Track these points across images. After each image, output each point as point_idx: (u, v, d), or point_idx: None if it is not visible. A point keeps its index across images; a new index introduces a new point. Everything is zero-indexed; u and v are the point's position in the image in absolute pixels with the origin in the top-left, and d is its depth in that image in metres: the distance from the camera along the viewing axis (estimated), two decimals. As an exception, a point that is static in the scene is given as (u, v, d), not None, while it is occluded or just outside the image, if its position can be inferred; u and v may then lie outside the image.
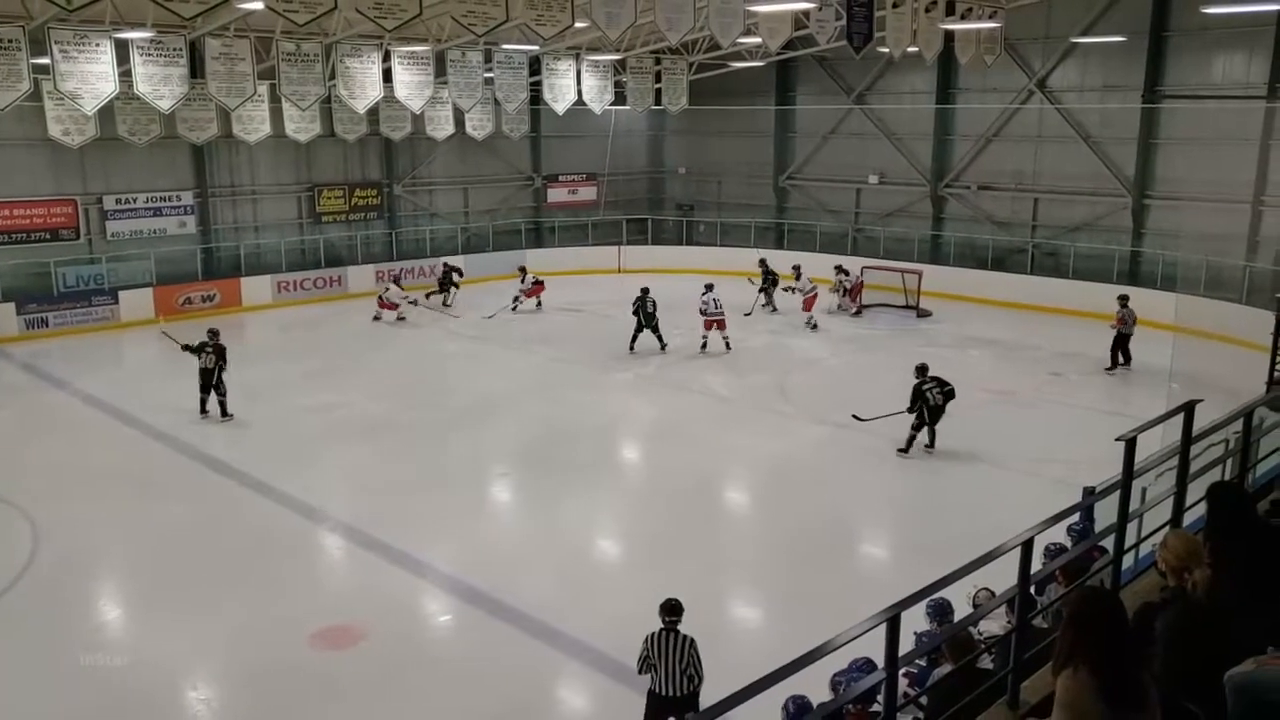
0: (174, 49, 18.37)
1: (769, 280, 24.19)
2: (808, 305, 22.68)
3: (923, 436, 14.36)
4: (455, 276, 25.59)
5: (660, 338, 20.22)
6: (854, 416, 15.30)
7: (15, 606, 10.16)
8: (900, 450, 14.34)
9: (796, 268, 23.64)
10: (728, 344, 20.18)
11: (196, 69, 19.47)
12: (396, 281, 24.59)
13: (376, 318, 23.55)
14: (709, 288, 20.17)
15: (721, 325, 20.06)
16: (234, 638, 9.51)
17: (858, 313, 23.92)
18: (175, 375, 19.51)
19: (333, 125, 25.09)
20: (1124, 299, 18.95)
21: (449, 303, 25.15)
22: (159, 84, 18.38)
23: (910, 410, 14.08)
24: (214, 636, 9.58)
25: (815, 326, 22.44)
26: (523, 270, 25.29)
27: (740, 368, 19.34)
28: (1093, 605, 3.38)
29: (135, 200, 24.12)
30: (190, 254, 24.97)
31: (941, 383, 14.14)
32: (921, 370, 14.31)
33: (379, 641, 9.40)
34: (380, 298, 23.91)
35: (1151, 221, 24.28)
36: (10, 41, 16.78)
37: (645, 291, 20.22)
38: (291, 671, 8.93)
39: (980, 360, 19.96)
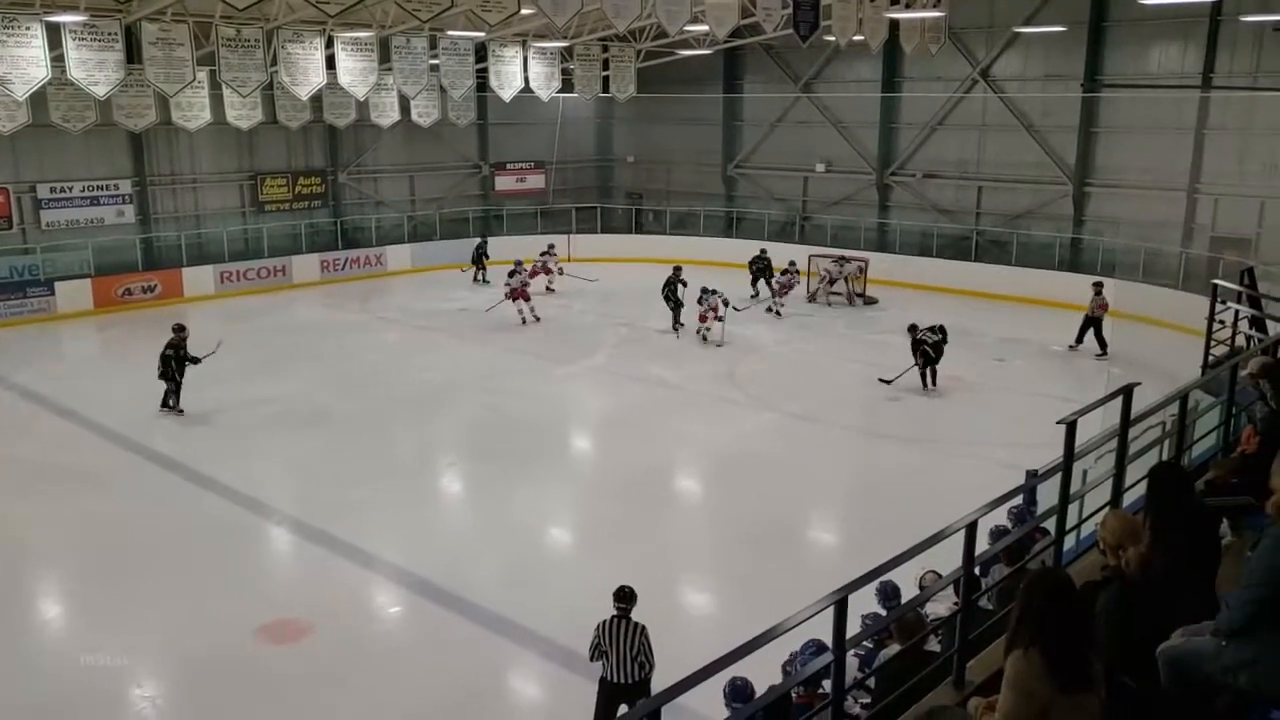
0: (109, 33, 17.86)
1: (766, 271, 24.05)
2: (783, 291, 22.96)
3: (912, 377, 16.78)
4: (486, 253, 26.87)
5: (677, 320, 20.89)
6: (880, 380, 17.03)
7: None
8: (883, 380, 16.87)
9: (793, 263, 23.74)
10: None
11: (133, 54, 19.01)
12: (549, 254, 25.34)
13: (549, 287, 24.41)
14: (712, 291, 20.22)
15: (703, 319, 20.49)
16: (178, 634, 9.33)
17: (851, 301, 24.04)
18: (114, 368, 19.15)
19: (275, 112, 24.64)
20: (1099, 285, 19.31)
21: (479, 278, 26.30)
22: (94, 69, 17.87)
23: (917, 363, 16.77)
24: (158, 633, 9.40)
25: (779, 313, 22.70)
26: (552, 248, 26.21)
27: (689, 357, 19.38)
28: (1044, 587, 3.42)
29: (71, 189, 23.51)
30: (129, 244, 24.39)
31: (933, 330, 16.86)
32: (913, 329, 16.89)
33: (326, 635, 9.29)
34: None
35: (1091, 209, 24.78)
36: (-65, 25, 16.22)
37: (677, 271, 21.18)
38: (238, 667, 8.80)
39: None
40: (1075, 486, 5.76)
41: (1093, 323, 19.06)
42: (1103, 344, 19.00)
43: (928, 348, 16.64)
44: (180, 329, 15.80)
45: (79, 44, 17.56)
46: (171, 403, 15.68)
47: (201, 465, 13.46)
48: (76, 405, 16.05)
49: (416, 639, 9.59)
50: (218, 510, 12.20)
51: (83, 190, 23.71)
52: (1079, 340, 19.26)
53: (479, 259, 26.71)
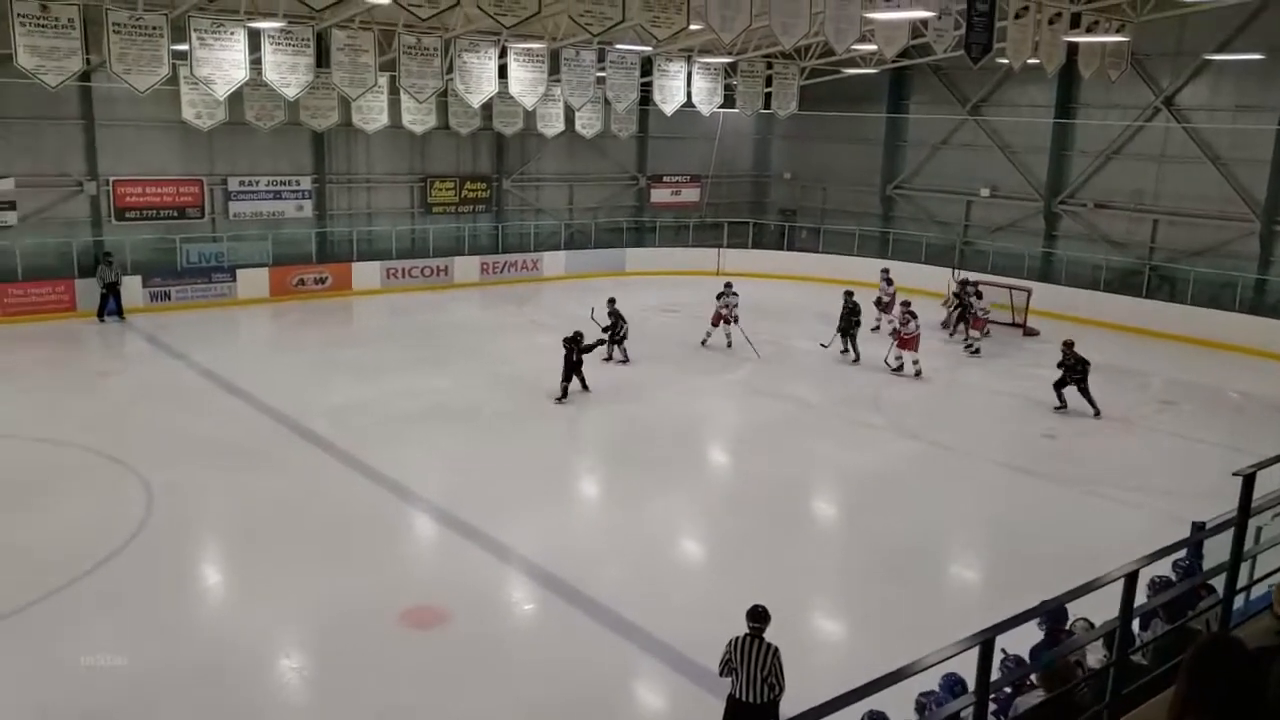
0: (302, 39, 19.03)
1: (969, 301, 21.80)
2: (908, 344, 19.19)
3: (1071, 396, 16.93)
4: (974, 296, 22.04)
5: (855, 347, 20.07)
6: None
7: (128, 565, 10.66)
8: (1057, 408, 16.99)
9: (971, 282, 22.53)
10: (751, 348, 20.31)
11: (321, 59, 20.15)
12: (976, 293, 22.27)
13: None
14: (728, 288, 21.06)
15: (728, 322, 20.76)
16: (327, 610, 9.80)
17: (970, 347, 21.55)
18: (284, 353, 20.31)
19: (447, 118, 25.66)
20: None
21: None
22: (286, 72, 19.06)
23: (1065, 373, 16.88)
24: (308, 608, 9.90)
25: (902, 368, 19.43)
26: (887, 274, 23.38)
27: (834, 377, 19.12)
28: (1218, 656, 3.19)
29: (257, 183, 25.04)
30: (306, 237, 25.82)
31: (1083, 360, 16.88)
32: (1068, 345, 17.04)
33: (462, 624, 9.60)
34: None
35: (1280, 249, 23.20)
36: (153, 28, 17.58)
37: (849, 294, 20.34)
38: (379, 648, 9.15)
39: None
40: (1248, 544, 5.43)
41: None
42: None
43: (1071, 372, 16.77)
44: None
45: (275, 48, 18.77)
46: (581, 385, 17.13)
47: (357, 451, 14.10)
48: (248, 386, 17.07)
49: (549, 635, 9.78)
50: (369, 494, 12.77)
51: (268, 184, 25.21)
52: None
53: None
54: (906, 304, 19.59)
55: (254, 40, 18.54)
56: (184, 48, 18.07)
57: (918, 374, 18.93)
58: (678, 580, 10.99)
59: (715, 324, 20.92)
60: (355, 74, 19.84)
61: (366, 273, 25.99)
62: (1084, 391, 16.70)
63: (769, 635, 7.12)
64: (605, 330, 19.13)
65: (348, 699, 8.50)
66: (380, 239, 27.07)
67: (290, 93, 19.63)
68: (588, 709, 8.44)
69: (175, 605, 9.88)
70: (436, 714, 8.33)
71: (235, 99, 21.00)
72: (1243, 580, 5.38)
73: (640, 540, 11.82)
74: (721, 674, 7.21)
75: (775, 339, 21.92)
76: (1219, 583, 5.30)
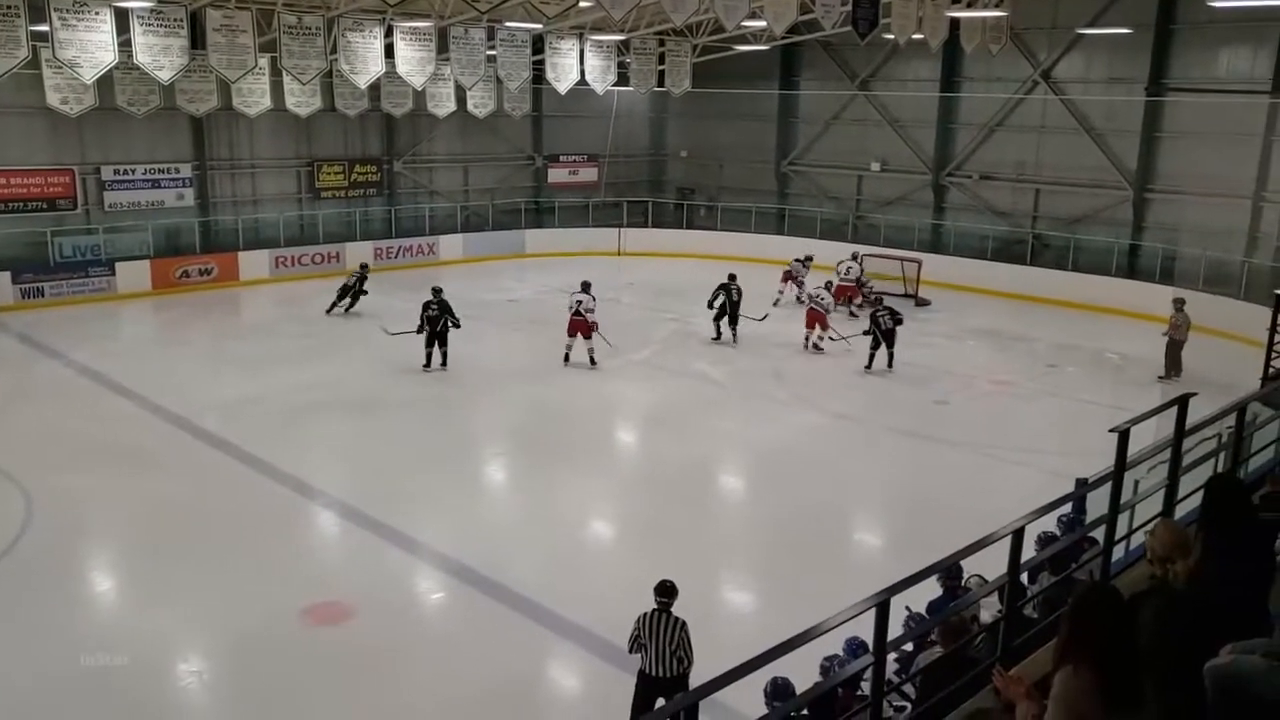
0: (174, 19, 18.23)
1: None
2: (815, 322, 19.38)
3: (882, 357, 17.73)
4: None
5: (735, 330, 19.49)
6: (839, 338, 18.80)
7: (7, 574, 10.15)
8: (866, 368, 17.67)
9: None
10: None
11: (197, 40, 19.37)
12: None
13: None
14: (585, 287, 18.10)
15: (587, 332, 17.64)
16: (226, 612, 9.49)
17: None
18: (170, 349, 19.54)
19: (333, 100, 24.96)
20: (1179, 302, 17.31)
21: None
22: (159, 54, 18.25)
23: (865, 333, 17.78)
24: (206, 610, 9.56)
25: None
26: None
27: (735, 354, 19.31)
28: (1095, 604, 3.33)
29: (133, 171, 23.99)
30: (188, 227, 24.85)
31: (893, 312, 17.77)
32: (876, 301, 18.18)
33: (370, 618, 9.40)
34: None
35: (1152, 215, 24.28)
36: (9, 7, 16.62)
37: (732, 278, 19.64)
38: (283, 647, 8.94)
39: (978, 350, 19.98)
40: (1126, 496, 5.67)
41: (1174, 345, 17.19)
42: (1167, 369, 17.17)
43: (879, 330, 17.46)
44: (437, 291, 17.66)
45: (146, 29, 17.93)
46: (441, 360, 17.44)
47: (252, 447, 13.67)
48: (132, 384, 16.37)
49: (458, 625, 9.69)
50: (267, 492, 12.40)
51: (145, 173, 24.15)
52: (1175, 370, 17.12)
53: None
54: (829, 284, 20.31)
55: (122, 21, 17.67)
56: (45, 28, 17.10)
57: (818, 348, 19.29)
58: (588, 562, 10.99)
59: (583, 335, 17.76)
60: (234, 55, 19.08)
61: (254, 262, 25.14)
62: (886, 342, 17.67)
63: (677, 609, 7.17)
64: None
65: (250, 702, 8.27)
66: (267, 226, 26.20)
67: (164, 76, 18.79)
68: (500, 696, 8.36)
69: (61, 614, 9.41)
70: (343, 712, 8.14)
71: (106, 83, 20.04)
72: (1122, 531, 5.62)
73: (550, 525, 11.73)
74: (631, 650, 7.23)
75: (677, 317, 22.05)
76: (1101, 535, 5.51)
